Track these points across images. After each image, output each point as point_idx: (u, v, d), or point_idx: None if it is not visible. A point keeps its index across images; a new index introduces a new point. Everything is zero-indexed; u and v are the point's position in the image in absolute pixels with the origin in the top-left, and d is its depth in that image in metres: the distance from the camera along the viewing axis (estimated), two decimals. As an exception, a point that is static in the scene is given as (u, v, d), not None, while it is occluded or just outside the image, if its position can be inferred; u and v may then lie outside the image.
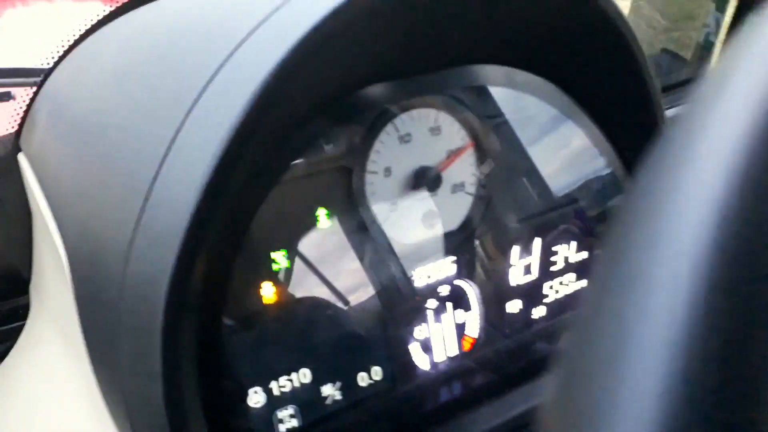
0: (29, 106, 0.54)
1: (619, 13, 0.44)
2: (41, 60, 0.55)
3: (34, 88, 0.54)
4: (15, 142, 0.54)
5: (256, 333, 0.42)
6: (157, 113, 0.38)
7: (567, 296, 0.55)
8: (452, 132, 0.48)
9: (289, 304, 0.43)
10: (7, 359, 0.59)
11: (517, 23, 0.46)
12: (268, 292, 0.42)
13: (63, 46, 0.54)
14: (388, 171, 0.46)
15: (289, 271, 0.43)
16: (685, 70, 0.99)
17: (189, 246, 0.34)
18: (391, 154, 0.46)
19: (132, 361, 0.37)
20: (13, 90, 0.60)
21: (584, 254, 0.55)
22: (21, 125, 0.54)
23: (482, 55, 0.48)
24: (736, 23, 0.90)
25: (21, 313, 0.59)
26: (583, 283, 0.56)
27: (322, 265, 0.45)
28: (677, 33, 1.02)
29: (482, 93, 0.49)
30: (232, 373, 0.42)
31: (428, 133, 0.47)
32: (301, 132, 0.42)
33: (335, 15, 0.34)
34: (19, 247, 0.57)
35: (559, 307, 0.55)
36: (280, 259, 0.42)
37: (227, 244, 0.40)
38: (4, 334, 0.59)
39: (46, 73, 0.54)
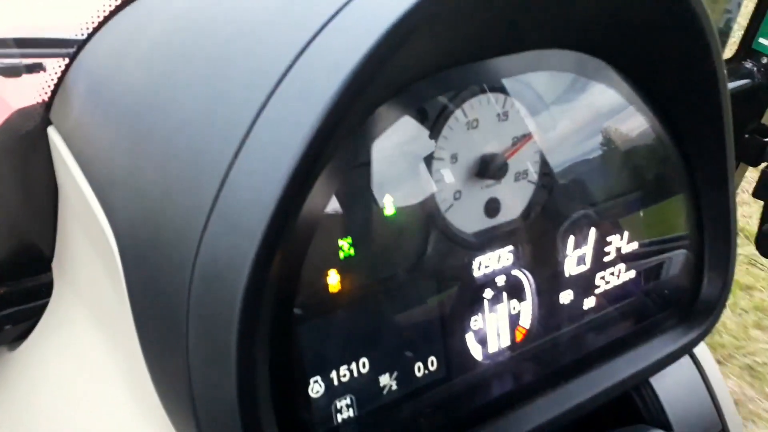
0: (61, 78, 0.51)
1: (705, 13, 0.43)
2: (74, 30, 0.53)
3: (66, 60, 0.51)
4: (45, 115, 0.51)
5: (321, 322, 0.41)
6: (233, 94, 0.36)
7: (616, 287, 0.55)
8: (518, 118, 0.47)
9: (352, 293, 0.42)
10: (31, 337, 0.58)
11: (601, 12, 0.45)
12: (333, 280, 0.41)
13: (99, 16, 0.52)
14: (454, 158, 0.44)
15: (353, 259, 0.41)
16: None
17: (272, 233, 0.33)
18: (459, 140, 0.44)
19: (201, 350, 0.36)
20: (44, 61, 0.57)
21: (635, 245, 0.55)
22: (52, 98, 0.51)
23: (555, 40, 0.47)
24: (760, 8, 0.89)
25: (44, 291, 0.57)
26: (631, 273, 0.55)
27: (385, 253, 0.43)
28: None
29: (550, 79, 0.48)
30: (297, 363, 0.40)
31: (495, 119, 0.46)
32: (373, 118, 0.40)
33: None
34: (41, 222, 0.54)
35: (609, 298, 0.54)
36: (346, 247, 0.41)
37: (303, 231, 0.38)
38: (27, 311, 0.57)
39: (80, 44, 0.51)
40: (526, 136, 0.47)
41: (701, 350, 0.64)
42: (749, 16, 0.91)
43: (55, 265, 0.56)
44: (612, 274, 0.54)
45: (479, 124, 0.45)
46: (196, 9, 0.45)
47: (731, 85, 0.90)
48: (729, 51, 0.95)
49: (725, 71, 0.47)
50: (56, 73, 0.51)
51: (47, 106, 0.51)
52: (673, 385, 0.60)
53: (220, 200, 0.34)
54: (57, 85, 0.51)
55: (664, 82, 0.50)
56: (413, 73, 0.42)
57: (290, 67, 0.34)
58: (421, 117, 0.43)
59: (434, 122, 0.43)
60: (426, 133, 0.43)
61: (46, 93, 0.51)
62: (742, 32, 0.93)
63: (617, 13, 0.45)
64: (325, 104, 0.32)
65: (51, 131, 0.50)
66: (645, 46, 0.48)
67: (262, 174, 0.33)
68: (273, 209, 0.32)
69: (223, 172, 0.34)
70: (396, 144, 0.42)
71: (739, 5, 0.99)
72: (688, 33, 0.45)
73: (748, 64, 0.93)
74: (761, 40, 0.90)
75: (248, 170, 0.34)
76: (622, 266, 0.54)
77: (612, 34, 0.47)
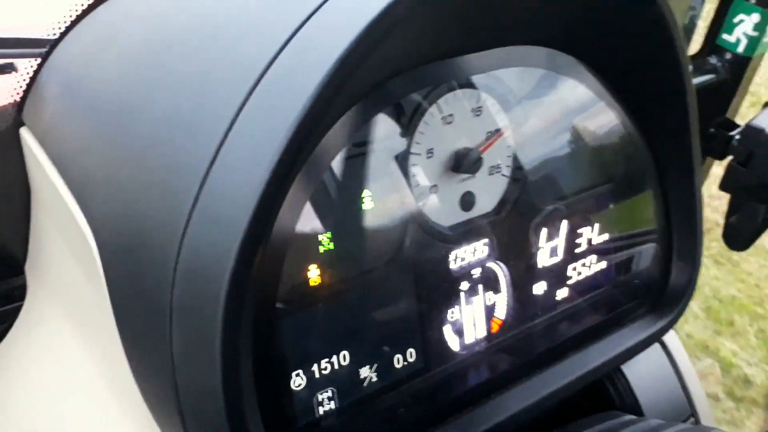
0: (33, 78, 0.51)
1: (671, 12, 0.45)
2: (46, 29, 0.52)
3: (38, 60, 0.51)
4: (17, 116, 0.51)
5: (303, 316, 0.42)
6: (214, 90, 0.36)
7: (588, 278, 0.56)
8: (492, 114, 0.48)
9: (332, 287, 0.42)
10: (6, 340, 0.57)
11: (572, 9, 0.46)
12: (314, 274, 0.41)
13: (71, 15, 0.51)
14: (430, 152, 0.45)
15: (333, 253, 0.42)
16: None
17: (255, 228, 0.33)
18: (434, 135, 0.45)
19: (184, 345, 0.36)
20: (15, 61, 0.56)
21: (605, 236, 0.56)
22: (24, 99, 0.51)
23: (527, 37, 0.48)
24: (722, 5, 0.92)
25: (17, 294, 0.57)
26: (603, 265, 0.57)
27: (364, 247, 0.44)
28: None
29: (522, 75, 0.49)
30: (279, 356, 0.41)
31: (470, 113, 0.47)
32: (350, 114, 0.41)
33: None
34: (13, 226, 0.54)
35: (581, 289, 0.56)
36: (326, 241, 0.41)
37: (284, 226, 0.39)
38: (1, 315, 0.57)
39: (53, 44, 0.51)
40: (500, 131, 0.48)
41: (671, 338, 0.66)
42: (713, 12, 0.93)
43: (28, 267, 0.56)
44: (584, 265, 0.55)
45: (454, 119, 0.46)
46: (172, 6, 0.45)
47: (696, 80, 0.92)
48: (695, 47, 0.97)
49: (690, 68, 0.49)
50: (28, 73, 0.51)
51: (19, 107, 0.51)
52: (644, 373, 0.62)
53: (202, 196, 0.35)
54: (29, 86, 0.51)
55: (633, 78, 0.51)
56: (389, 70, 0.43)
57: (271, 63, 0.35)
58: (397, 113, 0.44)
59: (410, 118, 0.44)
60: (402, 129, 0.44)
61: (17, 94, 0.51)
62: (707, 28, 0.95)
63: (587, 11, 0.47)
64: (305, 101, 0.32)
65: (24, 132, 0.50)
66: (614, 43, 0.49)
67: (243, 169, 0.33)
68: (255, 204, 0.33)
69: (204, 167, 0.35)
70: (373, 140, 0.43)
71: (703, 2, 1.01)
72: (655, 31, 0.46)
73: (713, 60, 0.95)
74: (724, 36, 0.93)
75: (230, 166, 0.34)
76: (593, 258, 0.56)
77: (582, 31, 0.49)
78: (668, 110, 0.51)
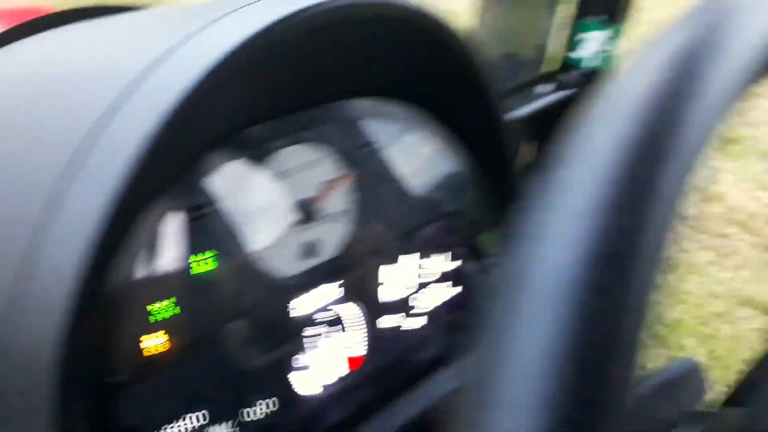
0: None
1: (460, 44, 0.48)
2: None
3: None
4: None
5: (148, 386, 0.42)
6: (32, 166, 0.36)
7: (436, 307, 0.59)
8: (329, 163, 0.50)
9: (177, 351, 0.43)
10: None
11: (377, 60, 0.49)
12: (158, 341, 0.42)
13: None
14: (268, 207, 0.47)
15: (176, 318, 0.43)
16: (528, 72, 1.06)
17: (78, 309, 0.33)
18: (271, 190, 0.47)
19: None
20: None
21: (456, 263, 0.59)
22: None
23: (354, 89, 0.51)
24: (573, 26, 0.99)
25: None
26: (456, 290, 0.60)
27: (209, 308, 0.45)
28: (520, 36, 1.10)
29: (356, 123, 0.52)
30: (127, 428, 0.41)
31: (306, 166, 0.49)
32: (178, 179, 0.42)
33: (226, 61, 0.35)
34: None
35: (431, 316, 0.59)
36: (165, 307, 0.42)
37: (118, 298, 0.39)
38: None
39: None
40: (338, 179, 0.51)
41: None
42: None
43: None
44: (435, 292, 0.58)
45: (290, 173, 0.48)
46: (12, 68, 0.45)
47: (555, 96, 0.98)
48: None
49: (502, 106, 0.53)
50: None
51: None
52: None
53: (22, 277, 0.34)
54: None
55: (458, 117, 0.55)
56: (212, 137, 0.44)
57: (89, 135, 0.35)
58: (232, 173, 0.45)
59: (245, 176, 0.46)
60: (238, 187, 0.46)
61: None
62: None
63: (399, 62, 0.50)
64: (122, 170, 0.33)
65: None
66: (423, 80, 0.53)
67: (62, 246, 0.33)
68: (75, 284, 0.32)
69: (23, 245, 0.34)
70: (209, 201, 0.44)
71: (552, 21, 1.08)
72: (454, 62, 0.50)
73: (568, 76, 1.02)
74: (571, 54, 1.00)
75: (50, 245, 0.33)
76: (440, 286, 0.59)
77: (404, 79, 0.52)
78: (488, 145, 0.55)
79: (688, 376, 0.38)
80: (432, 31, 0.47)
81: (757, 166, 2.15)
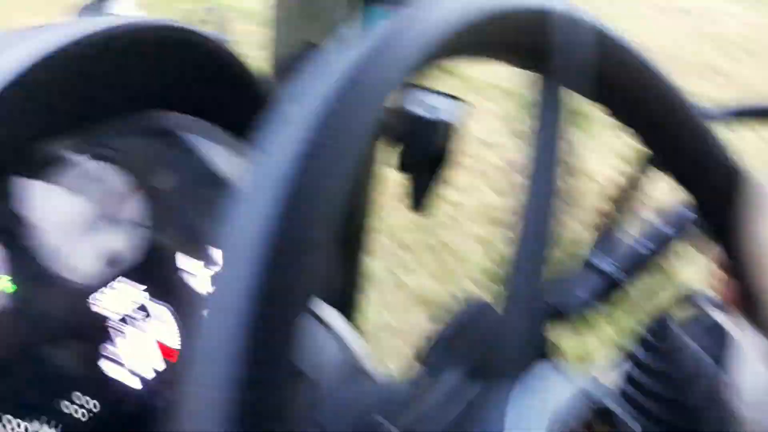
0: None
1: (235, 59, 0.54)
2: None
3: None
4: None
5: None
6: None
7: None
8: (124, 174, 0.54)
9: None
10: None
11: (159, 78, 0.53)
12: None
13: None
14: (62, 222, 0.50)
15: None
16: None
17: None
18: (62, 205, 0.50)
19: None
20: None
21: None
22: None
23: (142, 105, 0.54)
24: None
25: None
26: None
27: (13, 326, 0.48)
28: (317, 25, 1.15)
29: (150, 137, 0.56)
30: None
31: (97, 180, 0.52)
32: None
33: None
34: None
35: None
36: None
37: None
38: None
39: None
40: (130, 190, 0.54)
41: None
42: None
43: None
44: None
45: (83, 188, 0.51)
46: None
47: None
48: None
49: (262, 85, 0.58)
50: None
51: None
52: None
53: None
54: None
55: (245, 129, 0.60)
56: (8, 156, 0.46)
57: None
58: (26, 189, 0.48)
59: (41, 191, 0.49)
60: (34, 203, 0.49)
61: None
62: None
63: (183, 80, 0.54)
64: None
65: None
66: (216, 101, 0.58)
67: None
68: None
69: None
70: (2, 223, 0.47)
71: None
72: (242, 87, 0.55)
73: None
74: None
75: None
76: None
77: (189, 96, 0.56)
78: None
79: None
80: (208, 50, 0.52)
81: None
